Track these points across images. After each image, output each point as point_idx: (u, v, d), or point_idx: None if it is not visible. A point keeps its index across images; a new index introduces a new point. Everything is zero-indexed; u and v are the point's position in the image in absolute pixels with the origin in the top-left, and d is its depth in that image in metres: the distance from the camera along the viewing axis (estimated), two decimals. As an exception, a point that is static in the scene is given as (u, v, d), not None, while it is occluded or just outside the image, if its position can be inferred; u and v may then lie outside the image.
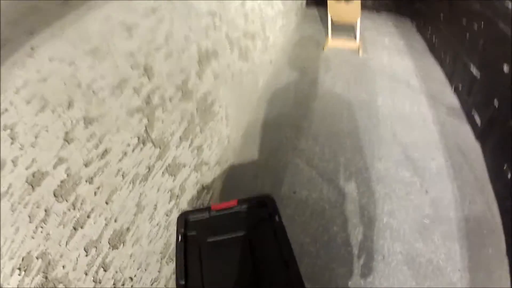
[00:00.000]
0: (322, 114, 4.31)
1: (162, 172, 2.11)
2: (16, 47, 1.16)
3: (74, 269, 1.42)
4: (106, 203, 1.62)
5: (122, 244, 1.75)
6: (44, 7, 1.37)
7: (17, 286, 1.16)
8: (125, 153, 1.71)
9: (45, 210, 1.26)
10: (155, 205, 2.06)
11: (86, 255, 1.50)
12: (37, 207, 1.23)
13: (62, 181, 1.33)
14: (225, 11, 3.02)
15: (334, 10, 5.85)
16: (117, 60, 1.62)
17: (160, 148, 2.05)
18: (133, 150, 1.78)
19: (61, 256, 1.35)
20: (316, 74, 5.12)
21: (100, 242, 1.59)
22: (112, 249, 1.68)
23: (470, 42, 4.09)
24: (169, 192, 2.22)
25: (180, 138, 2.31)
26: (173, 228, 2.27)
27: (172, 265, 2.37)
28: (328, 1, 5.80)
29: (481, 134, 3.72)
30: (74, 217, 1.41)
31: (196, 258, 1.86)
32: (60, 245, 1.35)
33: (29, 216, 1.19)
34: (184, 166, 2.41)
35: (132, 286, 1.88)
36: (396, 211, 3.12)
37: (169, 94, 2.11)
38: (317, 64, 5.40)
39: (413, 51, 5.96)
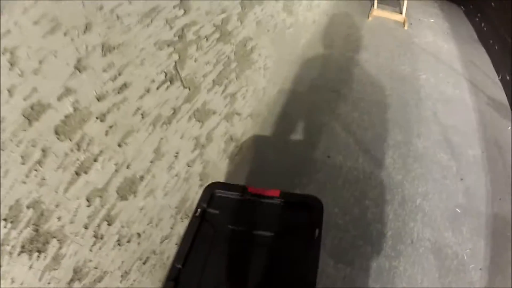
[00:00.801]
0: (363, 82, 3.95)
1: (189, 117, 1.81)
2: None
3: (71, 222, 1.17)
4: (119, 145, 1.33)
5: (133, 195, 1.47)
6: None
7: (2, 239, 0.92)
8: (148, 90, 1.41)
9: (42, 150, 1.00)
10: (177, 153, 1.76)
11: (88, 206, 1.24)
12: (33, 145, 0.97)
13: (66, 116, 1.06)
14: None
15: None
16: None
17: (189, 89, 1.74)
18: (157, 88, 1.48)
19: (57, 205, 1.09)
20: (359, 42, 4.71)
21: (107, 191, 1.31)
22: (121, 200, 1.40)
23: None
24: (194, 140, 1.92)
25: (213, 81, 2.00)
26: (194, 181, 2.00)
27: (187, 223, 2.08)
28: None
29: None
30: (78, 159, 1.14)
31: (208, 242, 1.59)
32: (56, 193, 1.09)
33: (22, 157, 0.94)
34: (214, 113, 2.10)
35: (139, 243, 1.61)
36: (430, 194, 2.82)
37: (206, 32, 1.78)
38: (361, 32, 4.98)
39: (458, 36, 5.46)
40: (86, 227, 1.23)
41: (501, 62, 4.31)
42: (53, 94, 0.98)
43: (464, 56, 4.84)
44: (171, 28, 1.47)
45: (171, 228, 1.88)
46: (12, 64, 0.84)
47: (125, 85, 1.26)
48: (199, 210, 1.65)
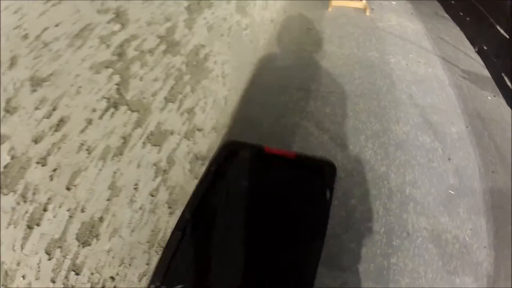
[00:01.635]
0: (331, 75, 3.99)
1: (143, 142, 1.76)
2: None
3: (37, 278, 1.15)
4: (68, 189, 1.28)
5: (95, 239, 1.43)
6: None
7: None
8: (89, 121, 1.36)
9: None
10: (136, 185, 1.71)
11: (50, 259, 1.21)
12: None
13: (5, 167, 1.03)
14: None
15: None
16: (78, 3, 1.26)
17: (138, 112, 1.69)
18: (100, 117, 1.42)
19: (18, 264, 1.08)
20: (321, 34, 4.79)
21: (65, 241, 1.28)
22: (83, 247, 1.36)
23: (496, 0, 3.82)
24: (154, 167, 1.87)
25: (165, 99, 1.96)
26: (162, 211, 1.98)
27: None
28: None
29: None
30: (27, 212, 1.11)
31: (220, 197, 1.75)
32: (14, 251, 1.08)
33: None
34: (172, 133, 2.06)
35: (114, 286, 1.57)
36: (419, 181, 2.85)
37: (149, 45, 1.74)
38: (322, 24, 5.06)
39: (423, 14, 5.66)
40: (53, 281, 1.21)
41: (476, 32, 4.45)
42: None
43: (432, 33, 4.98)
44: (107, 46, 1.42)
45: (147, 264, 1.84)
46: None
47: (62, 121, 1.21)
48: (213, 166, 1.80)
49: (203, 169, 2.49)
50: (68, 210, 1.27)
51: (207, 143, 2.61)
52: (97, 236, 1.42)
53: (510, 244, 2.47)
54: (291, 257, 1.56)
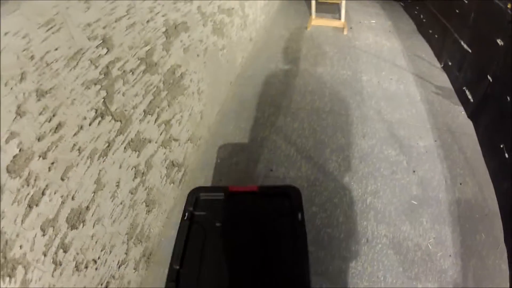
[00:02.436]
0: (303, 92, 4.33)
1: (124, 147, 2.11)
2: None
3: (31, 250, 1.44)
4: (62, 179, 1.62)
5: (82, 224, 1.76)
6: None
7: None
8: (81, 127, 1.71)
9: None
10: (117, 183, 2.06)
11: (43, 235, 1.51)
12: None
13: (14, 156, 1.34)
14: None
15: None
16: (73, 31, 1.61)
17: (121, 121, 2.05)
18: (90, 124, 1.78)
19: (17, 235, 1.37)
20: (298, 53, 5.13)
21: (57, 221, 1.60)
22: (71, 229, 1.69)
23: (460, 17, 4.13)
24: (134, 169, 2.23)
25: (144, 111, 2.30)
26: (140, 208, 2.29)
27: (141, 247, 2.39)
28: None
29: (473, 112, 3.76)
30: (28, 194, 1.42)
31: (200, 241, 1.88)
32: (15, 224, 1.36)
33: None
34: (150, 141, 2.41)
35: (96, 268, 1.90)
36: (381, 191, 3.13)
37: (131, 66, 2.09)
38: (300, 43, 5.42)
39: (401, 32, 6.04)
40: (44, 254, 1.51)
41: (442, 49, 4.81)
42: (2, 137, 1.27)
43: (408, 50, 5.37)
44: (96, 67, 1.78)
45: (126, 253, 2.18)
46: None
47: (60, 125, 1.56)
48: (186, 213, 1.96)
49: (179, 175, 2.87)
50: (61, 197, 1.60)
51: (183, 152, 2.97)
52: (83, 221, 1.76)
53: (478, 254, 2.66)
54: (282, 281, 1.74)
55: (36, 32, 1.40)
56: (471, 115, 3.79)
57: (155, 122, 2.45)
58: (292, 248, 1.82)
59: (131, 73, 2.10)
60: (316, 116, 3.93)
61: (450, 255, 2.65)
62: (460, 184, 3.19)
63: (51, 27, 1.47)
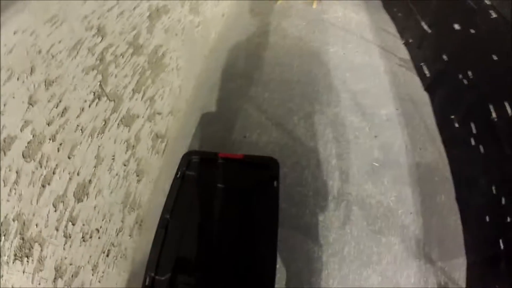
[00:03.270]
0: (273, 64, 4.48)
1: (118, 124, 2.32)
2: None
3: (46, 226, 1.64)
4: (69, 157, 1.82)
5: (86, 197, 1.99)
6: None
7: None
8: (82, 109, 1.91)
9: (16, 172, 1.45)
10: (113, 156, 2.29)
11: (55, 211, 1.71)
12: (9, 170, 1.42)
13: (29, 142, 1.52)
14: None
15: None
16: (73, 24, 1.79)
17: (114, 101, 2.25)
18: (89, 106, 1.98)
19: (33, 214, 1.55)
20: (268, 27, 5.22)
21: (66, 196, 1.81)
22: (78, 202, 1.91)
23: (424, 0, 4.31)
24: (125, 143, 2.44)
25: (133, 90, 2.50)
26: (131, 178, 2.51)
27: (134, 215, 2.62)
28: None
29: (429, 85, 3.98)
30: (42, 174, 1.62)
31: (189, 197, 2.16)
32: (31, 204, 1.54)
33: (3, 180, 1.38)
34: (138, 116, 2.62)
35: (99, 237, 2.13)
36: (344, 154, 3.32)
37: (121, 50, 2.28)
38: (270, 17, 5.49)
39: (370, 6, 6.06)
40: (57, 229, 1.71)
41: (404, 27, 5.00)
42: (17, 127, 1.45)
43: (375, 24, 5.47)
44: (92, 54, 1.97)
45: (122, 221, 2.42)
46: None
47: (65, 109, 1.76)
48: (179, 172, 2.21)
49: (162, 145, 3.07)
50: (69, 173, 1.81)
51: (165, 125, 3.19)
52: (87, 194, 1.98)
53: (439, 213, 2.85)
54: (253, 238, 2.01)
55: (42, 28, 1.58)
56: (427, 88, 4.02)
57: (141, 99, 2.66)
58: (264, 213, 2.09)
59: (121, 56, 2.29)
60: (285, 86, 4.10)
61: (411, 213, 2.86)
62: (420, 149, 3.37)
63: (55, 22, 1.65)
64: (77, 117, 1.87)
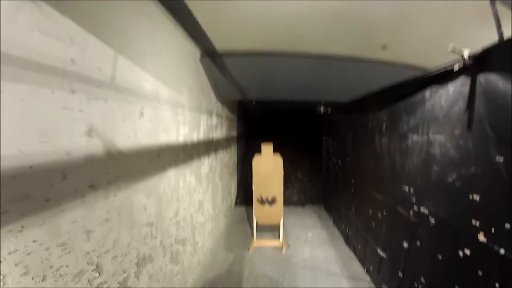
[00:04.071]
0: None
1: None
2: (12, 219, 1.62)
3: None
4: None
5: None
6: (33, 196, 1.78)
7: None
8: None
9: None
10: None
11: None
12: None
13: None
14: (161, 222, 3.57)
15: (259, 213, 6.73)
16: (78, 255, 2.10)
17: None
18: None
19: None
20: (240, 275, 5.43)
21: None
22: None
23: (376, 229, 4.88)
24: None
25: None
26: None
27: None
28: (253, 206, 6.73)
29: None
30: None
31: None
32: None
33: None
34: None
35: None
36: None
37: None
38: (242, 265, 5.77)
39: (334, 242, 6.67)
40: None
41: (364, 257, 5.40)
42: None
43: (341, 257, 5.95)
44: (91, 285, 2.23)
45: None
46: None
47: None
48: None
49: None
50: None
51: None
52: None
53: None
54: None
55: (55, 249, 1.89)
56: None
57: None
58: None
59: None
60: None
61: None
62: None
63: (65, 248, 1.97)
64: None
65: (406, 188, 3.81)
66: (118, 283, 2.61)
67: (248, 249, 6.36)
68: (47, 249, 1.82)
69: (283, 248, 6.34)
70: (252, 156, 6.75)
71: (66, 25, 1.99)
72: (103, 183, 2.42)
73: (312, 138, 10.60)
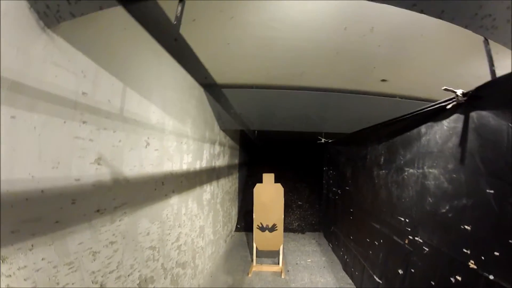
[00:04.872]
0: None
1: None
2: (22, 238, 1.71)
3: None
4: None
5: None
6: (43, 217, 1.88)
7: None
8: None
9: None
10: None
11: None
12: None
13: None
14: (163, 246, 3.62)
15: (259, 239, 6.76)
16: (84, 274, 2.17)
17: None
18: None
19: None
20: None
21: None
22: None
23: (373, 256, 4.90)
24: None
25: None
26: None
27: None
28: (254, 232, 6.77)
29: None
30: None
31: None
32: None
33: None
34: None
35: None
36: None
37: None
38: None
39: (333, 268, 6.65)
40: None
41: (361, 284, 5.41)
42: None
43: (340, 282, 5.95)
44: None
45: None
46: None
47: None
48: None
49: None
50: None
51: None
52: None
53: None
54: None
55: (62, 267, 1.97)
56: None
57: None
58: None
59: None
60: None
61: None
62: None
63: (72, 267, 2.04)
64: None
65: (402, 218, 3.88)
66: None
67: (248, 274, 6.34)
68: (55, 267, 1.90)
69: (282, 274, 6.32)
70: (254, 183, 6.85)
71: (78, 58, 2.12)
72: (110, 208, 2.51)
73: (313, 167, 10.74)
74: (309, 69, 3.99)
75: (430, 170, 3.26)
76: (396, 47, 3.31)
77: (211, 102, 5.44)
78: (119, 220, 2.64)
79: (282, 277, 6.27)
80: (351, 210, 6.35)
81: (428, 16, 2.02)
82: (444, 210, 2.98)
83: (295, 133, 7.46)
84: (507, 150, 2.26)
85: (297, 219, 10.13)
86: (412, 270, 3.52)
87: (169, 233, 3.80)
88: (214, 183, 6.50)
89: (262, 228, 6.73)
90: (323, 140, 8.20)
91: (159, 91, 3.36)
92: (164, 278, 3.70)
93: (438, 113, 3.10)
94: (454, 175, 2.86)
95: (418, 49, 3.32)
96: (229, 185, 8.40)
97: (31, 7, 1.76)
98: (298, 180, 10.97)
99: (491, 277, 2.36)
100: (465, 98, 2.66)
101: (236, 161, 9.59)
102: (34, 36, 1.79)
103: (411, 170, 3.70)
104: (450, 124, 2.95)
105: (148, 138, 3.10)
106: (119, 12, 1.48)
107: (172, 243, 3.94)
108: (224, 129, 7.06)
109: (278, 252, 6.79)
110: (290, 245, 8.08)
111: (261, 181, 6.85)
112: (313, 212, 10.37)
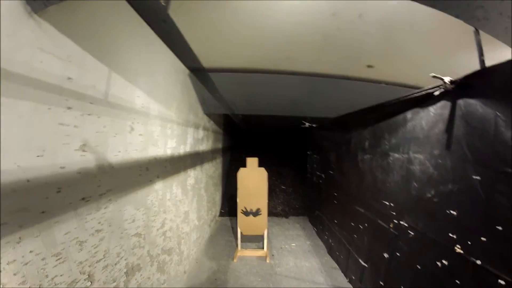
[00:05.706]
0: None
1: None
2: (10, 231, 1.68)
3: None
4: None
5: None
6: (29, 208, 1.85)
7: None
8: None
9: None
10: None
11: None
12: None
13: None
14: (149, 232, 3.61)
15: (243, 224, 6.78)
16: (71, 265, 2.16)
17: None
18: None
19: None
20: (225, 284, 5.45)
21: None
22: None
23: (358, 240, 4.98)
24: None
25: None
26: None
27: None
28: (238, 216, 6.78)
29: None
30: None
31: None
32: None
33: None
34: None
35: None
36: None
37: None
38: (227, 275, 5.77)
39: (318, 252, 6.72)
40: None
41: (347, 267, 5.50)
42: None
43: (324, 267, 6.00)
44: None
45: None
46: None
47: None
48: None
49: None
50: None
51: None
52: None
53: None
54: None
55: (50, 259, 1.94)
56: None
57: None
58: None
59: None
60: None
61: None
62: None
63: (59, 258, 2.02)
64: None
65: (387, 203, 3.93)
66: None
67: (233, 259, 6.39)
68: (43, 259, 1.88)
69: (267, 258, 6.39)
70: (237, 167, 6.86)
71: (64, 43, 2.07)
72: (95, 195, 2.48)
73: (297, 152, 10.78)
74: (296, 53, 3.96)
75: (416, 155, 3.30)
76: (385, 35, 3.31)
77: (196, 87, 5.39)
78: (105, 208, 2.61)
79: (267, 261, 6.32)
80: (335, 194, 6.41)
81: (418, 5, 2.01)
82: (429, 195, 3.02)
83: (280, 117, 7.46)
84: (494, 139, 2.30)
85: (281, 204, 10.18)
86: (398, 254, 3.58)
87: (154, 220, 3.78)
88: (198, 168, 6.47)
89: (246, 213, 6.76)
90: (307, 124, 8.21)
91: (145, 75, 3.30)
92: (151, 265, 3.70)
93: (425, 100, 3.14)
94: (440, 161, 2.90)
95: (407, 37, 3.32)
96: (213, 169, 8.39)
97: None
98: (282, 165, 11.03)
99: (478, 262, 2.41)
100: (452, 86, 2.69)
101: (220, 145, 9.56)
102: (21, 22, 1.75)
103: (396, 155, 3.73)
104: (437, 111, 2.98)
105: (132, 123, 3.05)
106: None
107: (158, 230, 3.92)
108: (208, 114, 7.01)
109: (262, 236, 6.85)
110: (274, 229, 8.15)
111: (245, 166, 6.86)
112: (297, 197, 10.45)
